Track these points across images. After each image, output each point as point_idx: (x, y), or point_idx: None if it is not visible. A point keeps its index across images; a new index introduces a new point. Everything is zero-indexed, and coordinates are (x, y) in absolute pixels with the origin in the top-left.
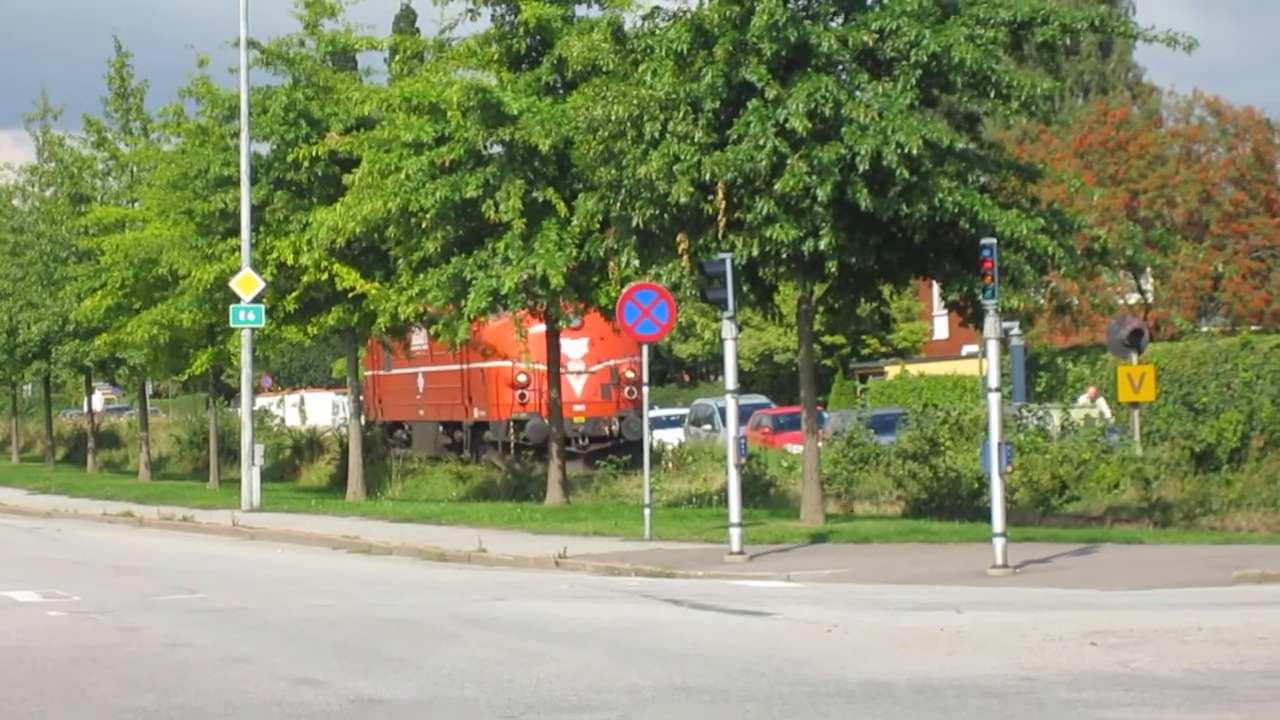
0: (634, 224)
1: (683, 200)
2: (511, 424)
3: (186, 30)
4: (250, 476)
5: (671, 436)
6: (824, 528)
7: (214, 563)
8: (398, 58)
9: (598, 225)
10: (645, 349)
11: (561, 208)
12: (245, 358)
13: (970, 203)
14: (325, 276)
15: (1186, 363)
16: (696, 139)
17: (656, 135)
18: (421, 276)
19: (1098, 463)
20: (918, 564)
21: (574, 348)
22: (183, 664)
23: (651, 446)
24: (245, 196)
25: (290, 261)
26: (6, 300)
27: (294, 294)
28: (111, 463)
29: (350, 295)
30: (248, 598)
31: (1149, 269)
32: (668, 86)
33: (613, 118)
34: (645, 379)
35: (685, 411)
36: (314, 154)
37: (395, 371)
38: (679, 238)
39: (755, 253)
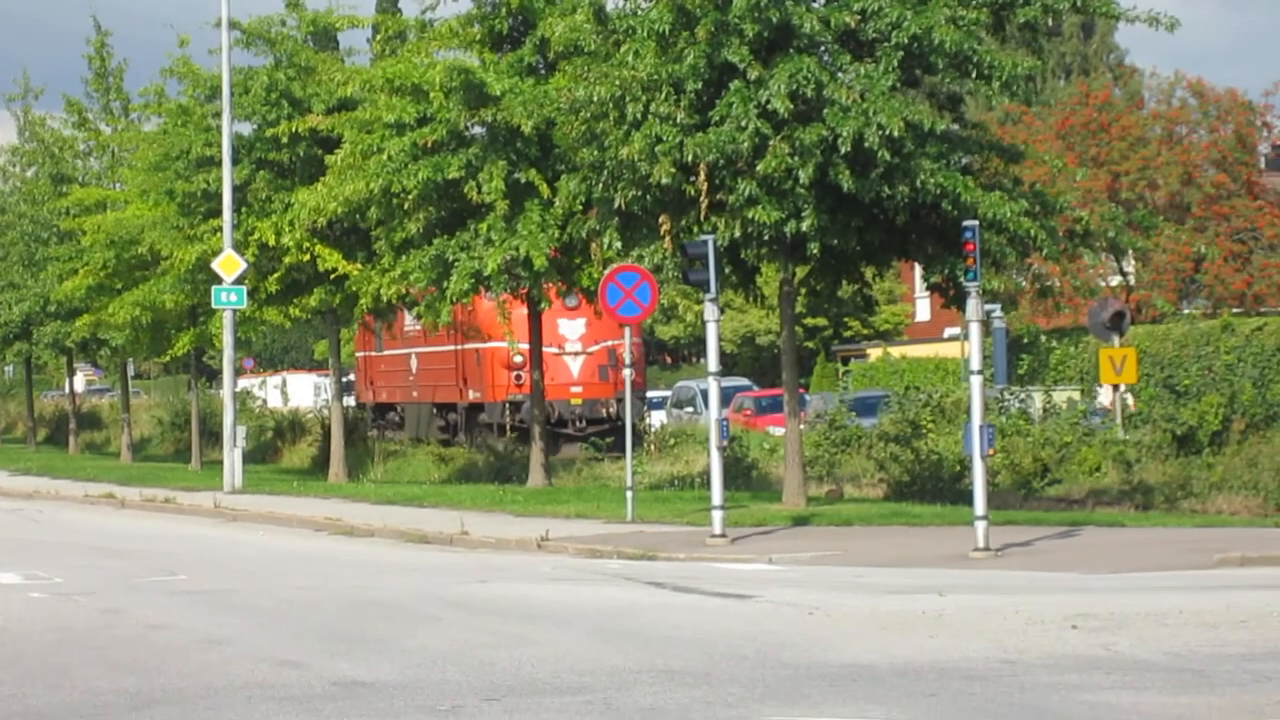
0: (616, 205)
1: (665, 181)
2: (507, 406)
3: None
4: (232, 458)
5: (654, 419)
6: (806, 510)
7: (196, 544)
8: (379, 37)
9: (580, 207)
10: (628, 331)
11: (544, 189)
12: (227, 339)
13: (952, 185)
14: (307, 258)
15: (1168, 345)
16: (678, 120)
17: (638, 116)
18: (404, 258)
19: (1079, 446)
20: (900, 547)
21: (571, 328)
22: (165, 646)
23: (646, 428)
24: (227, 177)
25: (272, 242)
26: None
27: (276, 275)
28: (93, 444)
29: (332, 276)
30: (230, 580)
31: (1131, 251)
32: (650, 67)
33: (595, 99)
34: (627, 360)
35: (667, 394)
36: (295, 131)
37: (387, 352)
38: (661, 219)
39: (737, 234)
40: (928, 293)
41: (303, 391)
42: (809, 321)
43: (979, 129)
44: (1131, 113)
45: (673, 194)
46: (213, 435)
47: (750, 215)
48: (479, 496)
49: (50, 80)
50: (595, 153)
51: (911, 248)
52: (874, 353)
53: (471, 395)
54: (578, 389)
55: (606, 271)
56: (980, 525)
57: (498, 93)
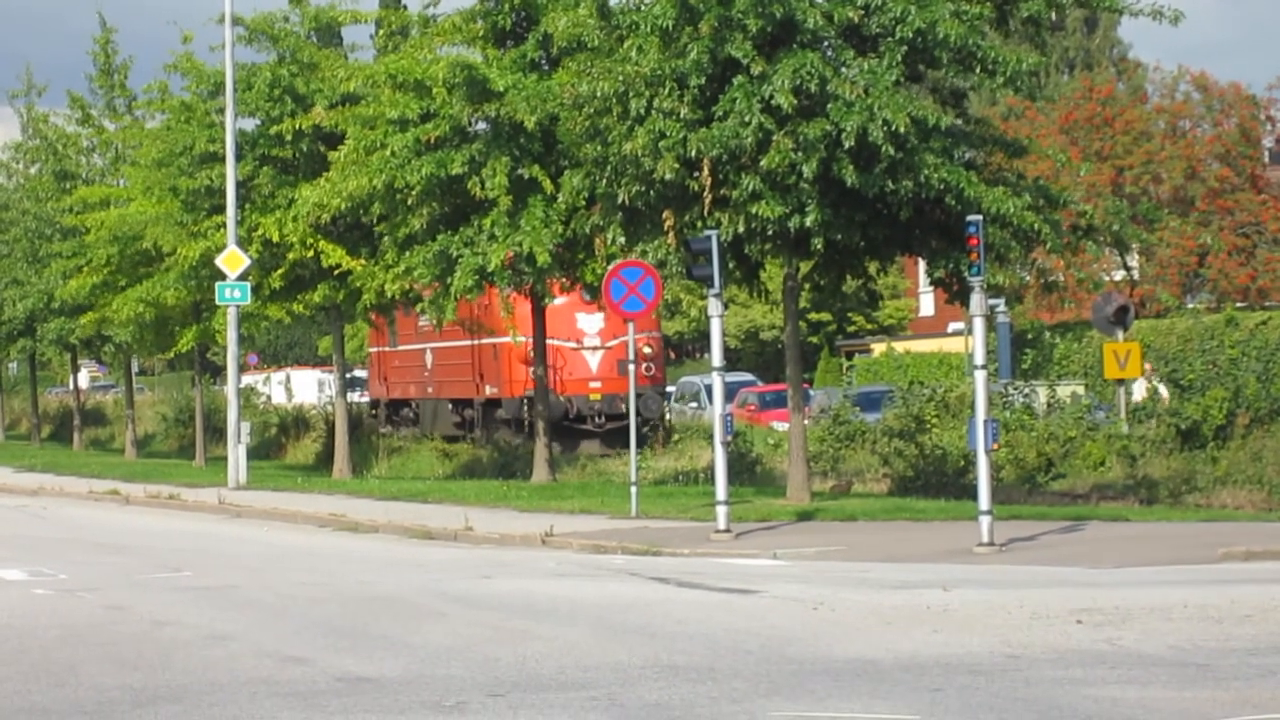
0: (620, 201)
1: (668, 177)
2: (525, 401)
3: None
4: (236, 454)
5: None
6: (810, 505)
7: (200, 541)
8: (382, 32)
9: (583, 202)
10: (631, 326)
11: (547, 185)
12: (231, 335)
13: (956, 179)
14: (311, 254)
15: (1172, 340)
16: (682, 115)
17: (642, 112)
18: (407, 254)
19: (1083, 440)
20: (904, 542)
21: (590, 322)
22: (169, 642)
23: (666, 424)
24: (231, 173)
25: (275, 238)
26: None
27: (279, 271)
28: (97, 440)
29: (336, 272)
30: (234, 576)
31: (1135, 246)
32: (653, 63)
33: (598, 94)
34: (631, 356)
35: (671, 389)
36: (298, 127)
37: (401, 348)
38: (665, 214)
39: (741, 229)
40: (931, 288)
41: (307, 387)
42: (813, 316)
43: (983, 124)
44: (1135, 107)
45: (676, 189)
46: (217, 431)
47: (754, 210)
48: (483, 492)
49: (54, 77)
50: (599, 148)
51: (915, 243)
52: (878, 348)
53: (488, 391)
54: (596, 384)
55: (610, 267)
56: (984, 520)
57: (501, 88)
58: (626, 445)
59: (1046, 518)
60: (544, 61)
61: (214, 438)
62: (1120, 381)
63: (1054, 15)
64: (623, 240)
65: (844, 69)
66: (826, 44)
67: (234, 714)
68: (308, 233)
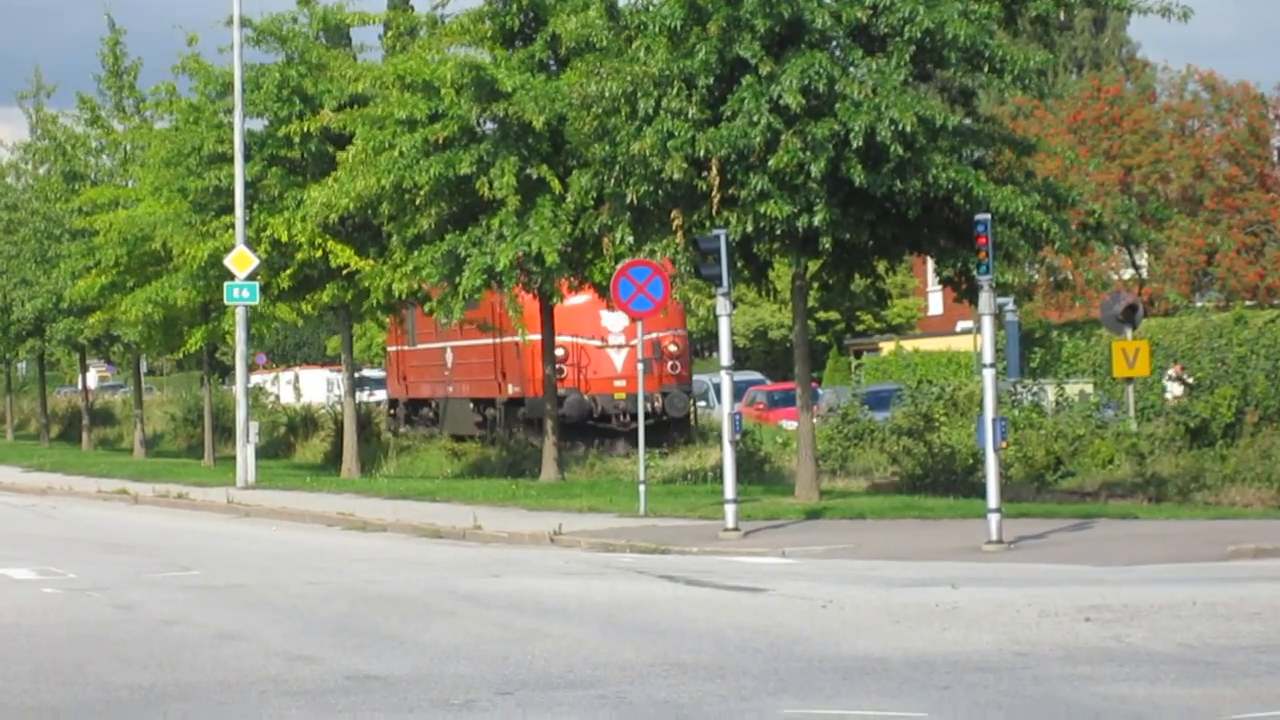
0: (628, 200)
1: (676, 177)
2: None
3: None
4: (245, 454)
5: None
6: (818, 504)
7: (209, 540)
8: (390, 33)
9: (592, 202)
10: (640, 326)
11: (555, 184)
12: (240, 335)
13: (964, 179)
14: (319, 253)
15: (1181, 338)
16: (690, 115)
17: (650, 112)
18: (416, 253)
19: (1092, 438)
20: (912, 540)
21: (614, 320)
22: (178, 641)
23: (695, 423)
24: (239, 173)
25: (284, 238)
26: (0, 278)
27: (288, 271)
28: (106, 440)
29: (344, 272)
30: (243, 575)
31: (1143, 245)
32: (661, 63)
33: (606, 94)
34: (640, 355)
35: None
36: (306, 130)
37: (421, 346)
38: (673, 214)
39: (749, 229)
40: (940, 286)
41: (315, 387)
42: (821, 315)
43: (991, 123)
44: (1143, 106)
45: (684, 189)
46: (225, 431)
47: (762, 210)
48: (491, 491)
49: (62, 78)
50: (607, 148)
51: (924, 242)
52: (886, 346)
53: (510, 390)
54: (621, 382)
55: (619, 266)
56: (993, 518)
57: (509, 89)
58: (653, 444)
59: (1055, 516)
60: (552, 62)
61: (222, 437)
62: (1129, 380)
63: (1062, 14)
64: (631, 240)
65: (852, 69)
66: (835, 44)
67: (243, 713)
68: (316, 233)
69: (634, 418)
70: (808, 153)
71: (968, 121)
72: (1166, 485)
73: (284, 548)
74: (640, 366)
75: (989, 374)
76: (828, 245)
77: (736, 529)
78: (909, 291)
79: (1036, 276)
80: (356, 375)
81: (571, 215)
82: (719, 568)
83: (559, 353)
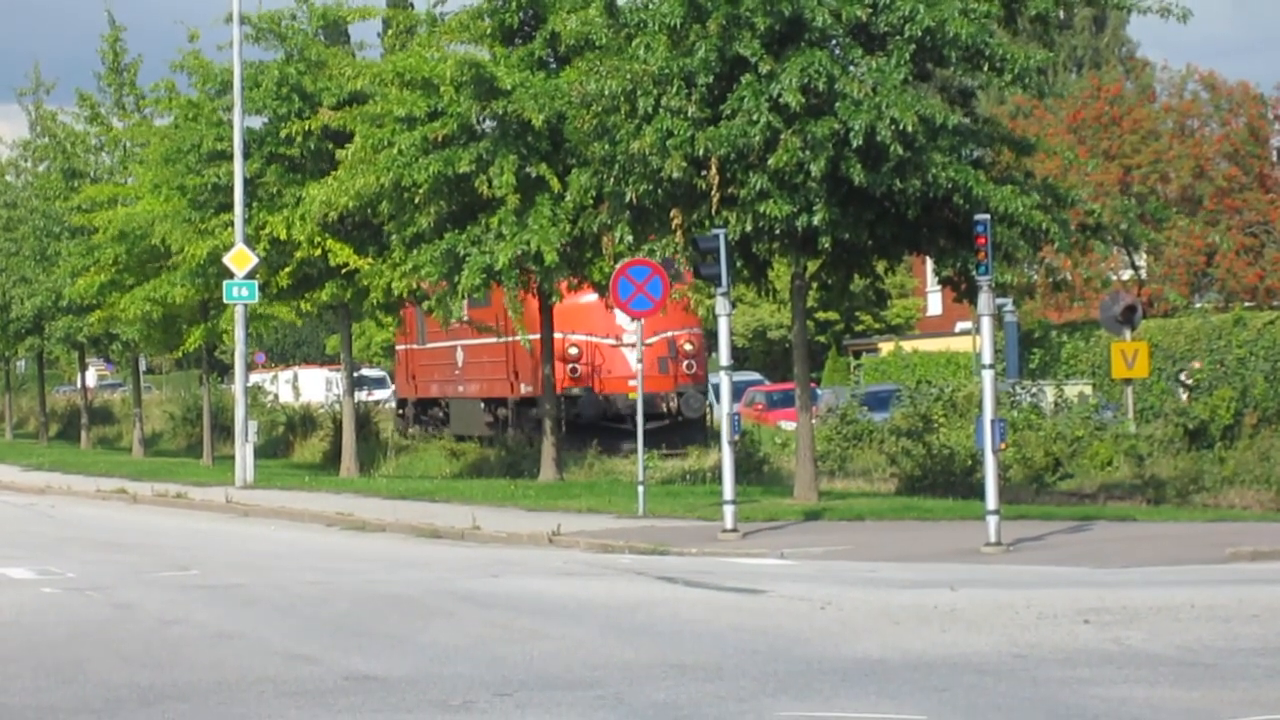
0: (627, 199)
1: (676, 175)
2: (563, 400)
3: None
4: (244, 453)
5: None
6: (817, 505)
7: (208, 539)
8: (390, 31)
9: (591, 201)
10: (639, 325)
11: (555, 183)
12: (238, 334)
13: (964, 178)
14: (318, 252)
15: (1180, 339)
16: (690, 114)
17: (650, 110)
18: (415, 252)
19: (1091, 440)
20: (911, 541)
21: (628, 318)
22: (177, 640)
23: (712, 422)
24: (239, 171)
25: (283, 237)
26: (0, 276)
27: (287, 269)
28: (105, 439)
29: (343, 271)
30: (241, 574)
31: (1143, 245)
32: (661, 61)
33: (606, 92)
34: (638, 355)
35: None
36: (307, 129)
37: (430, 345)
38: (673, 213)
39: (749, 228)
40: (939, 287)
41: (314, 386)
42: (820, 315)
43: (991, 122)
44: (1143, 106)
45: (684, 188)
46: (224, 430)
47: (761, 209)
48: (490, 491)
49: (61, 75)
50: (606, 147)
51: (923, 241)
52: (885, 347)
53: (523, 389)
54: (635, 382)
55: (618, 265)
56: (992, 520)
57: (508, 86)
58: (667, 445)
59: (1054, 517)
60: (551, 60)
61: (221, 436)
62: (1127, 381)
63: (1062, 13)
64: (630, 239)
65: (852, 67)
66: (835, 42)
67: (242, 712)
68: (315, 231)
69: (649, 418)
70: (807, 152)
71: (967, 121)
72: (1165, 487)
73: (283, 547)
74: (639, 366)
75: (988, 375)
76: (827, 245)
77: (735, 530)
78: (908, 292)
79: (1036, 277)
80: (355, 374)
81: (571, 214)
82: (718, 569)
83: (573, 351)
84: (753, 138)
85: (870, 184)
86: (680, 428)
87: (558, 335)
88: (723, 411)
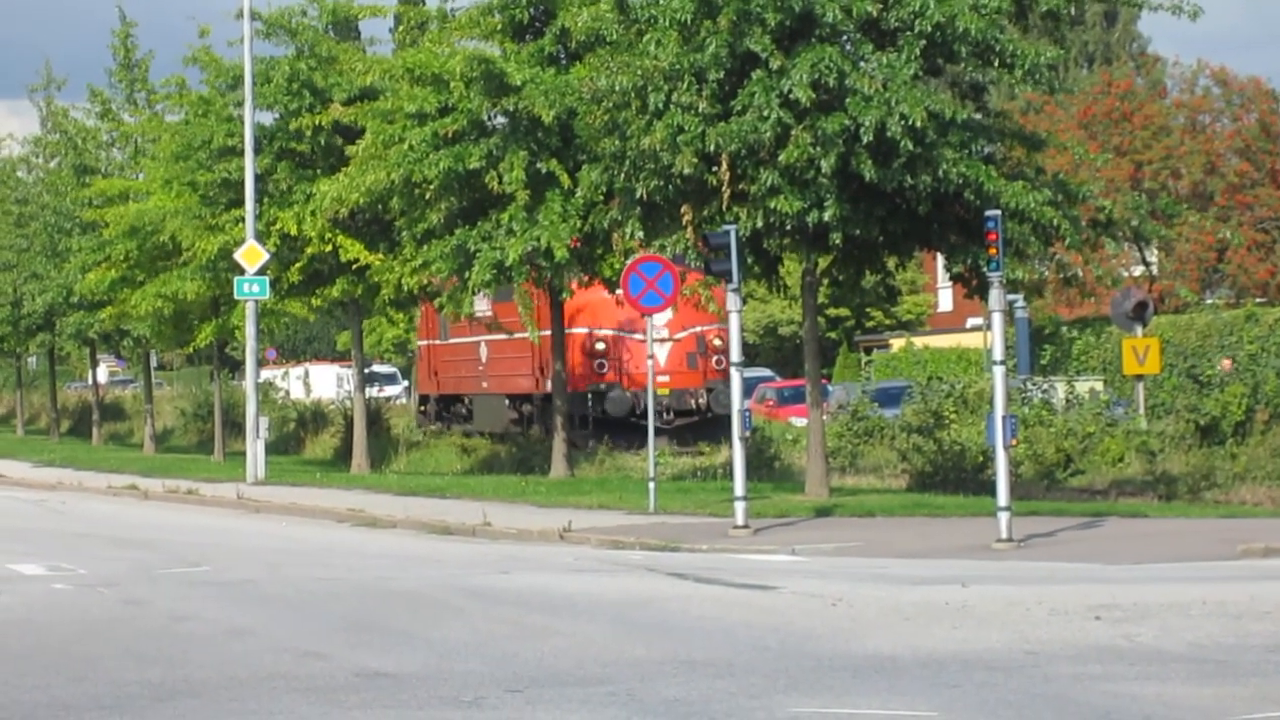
0: (638, 195)
1: (687, 171)
2: (590, 396)
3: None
4: (255, 449)
5: None
6: (828, 501)
7: (219, 536)
8: (401, 27)
9: (601, 197)
10: (650, 321)
11: (565, 179)
12: (249, 330)
13: (975, 174)
14: (329, 248)
15: (1191, 335)
16: (700, 110)
17: (660, 106)
18: (425, 248)
19: (1102, 436)
20: (922, 538)
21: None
22: (188, 637)
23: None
24: (249, 167)
25: (294, 233)
26: (10, 272)
27: (298, 265)
28: (116, 435)
29: (354, 267)
30: (252, 570)
31: (1154, 241)
32: (672, 57)
33: (617, 88)
34: (650, 351)
35: None
36: (317, 124)
37: (453, 340)
38: (683, 209)
39: (759, 224)
40: (950, 283)
41: (325, 382)
42: (831, 312)
43: (1001, 118)
44: (1154, 101)
45: (695, 184)
46: (235, 426)
47: (772, 205)
48: (501, 487)
49: (72, 73)
50: (617, 143)
51: (934, 237)
52: (896, 343)
53: (548, 385)
54: (664, 378)
55: (629, 262)
56: (1003, 516)
57: (518, 82)
58: (695, 441)
59: (1065, 514)
60: (562, 55)
61: (232, 433)
62: (1139, 377)
63: (1073, 9)
64: (641, 235)
65: (862, 63)
66: (845, 38)
67: (252, 709)
68: (326, 227)
69: (678, 415)
70: (818, 148)
71: (978, 116)
72: (1177, 483)
73: (294, 544)
74: (649, 362)
75: (999, 371)
76: (838, 241)
77: (746, 526)
78: (919, 288)
79: (1047, 273)
80: (366, 370)
81: (581, 210)
82: (729, 565)
83: (599, 346)
84: (763, 133)
85: (881, 180)
86: (709, 424)
87: (583, 330)
88: (733, 408)
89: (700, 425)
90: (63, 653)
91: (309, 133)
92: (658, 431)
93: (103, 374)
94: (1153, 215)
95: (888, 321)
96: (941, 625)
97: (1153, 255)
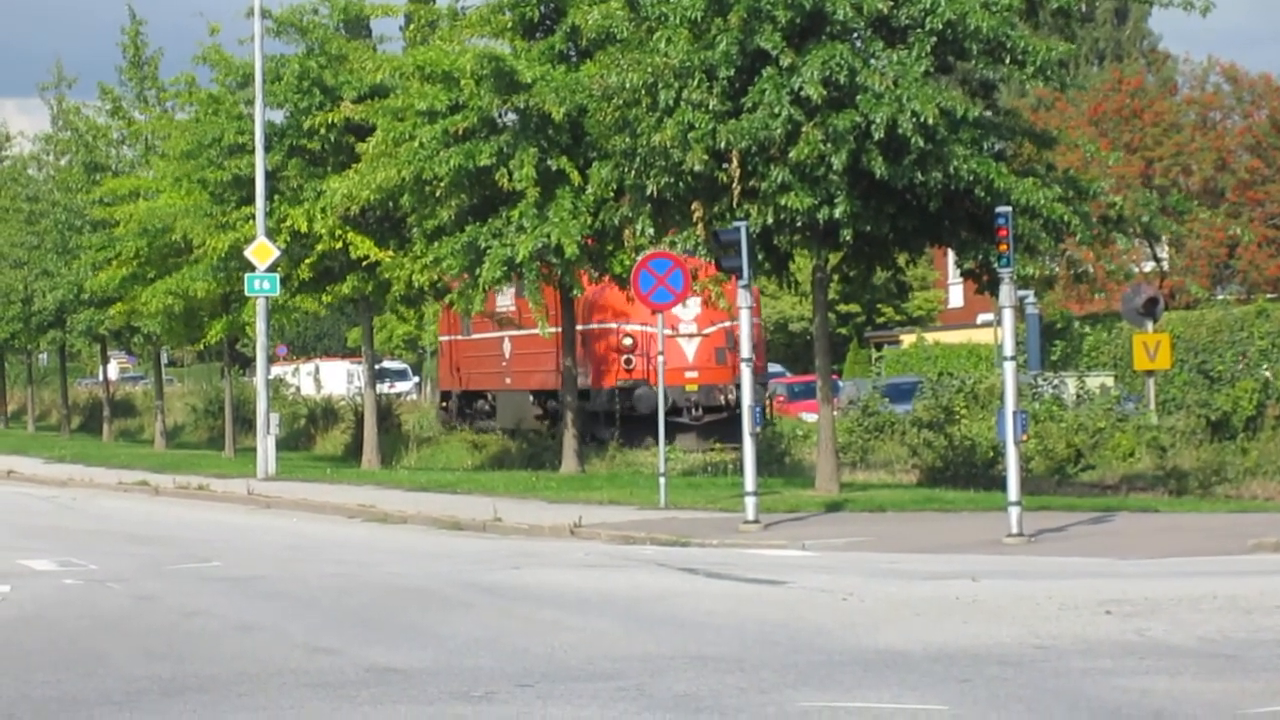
0: (648, 192)
1: (697, 168)
2: (617, 393)
3: None
4: (265, 445)
5: None
6: (839, 496)
7: (229, 531)
8: (412, 25)
9: (612, 194)
10: (660, 318)
11: (575, 176)
12: (260, 326)
13: (986, 171)
14: (339, 245)
15: (1202, 331)
16: (711, 107)
17: (671, 103)
18: (436, 245)
19: (1113, 431)
20: (933, 533)
21: (684, 309)
22: (198, 632)
23: (769, 416)
24: (260, 164)
25: (304, 230)
26: (22, 269)
27: (308, 262)
28: (127, 432)
29: (364, 264)
30: (263, 566)
31: (1164, 237)
32: (682, 54)
33: (627, 85)
34: (660, 347)
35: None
36: (329, 121)
37: (476, 336)
38: (694, 206)
39: (770, 221)
40: (961, 279)
41: (336, 379)
42: (842, 308)
43: (1012, 115)
44: (1164, 98)
45: (705, 181)
46: (246, 422)
47: (783, 202)
48: (512, 483)
49: (83, 69)
50: (627, 140)
51: (945, 234)
52: (907, 339)
53: (579, 380)
54: (693, 374)
55: (639, 258)
56: (1014, 511)
57: (529, 80)
58: (725, 439)
59: (1076, 509)
60: (572, 53)
61: (243, 429)
62: (1149, 373)
63: (1084, 6)
64: (651, 232)
65: (873, 60)
66: (856, 35)
67: (263, 704)
68: (336, 224)
69: (707, 411)
70: (829, 144)
71: (988, 113)
72: (1187, 478)
73: (304, 539)
74: (660, 359)
75: (1009, 366)
76: (848, 237)
77: (757, 521)
78: (930, 284)
79: (1057, 269)
80: (377, 367)
81: (591, 207)
82: (739, 560)
83: (627, 342)
84: (774, 130)
85: (891, 176)
86: (737, 420)
87: (612, 325)
88: (744, 403)
89: (729, 421)
90: (73, 648)
91: (319, 130)
92: (686, 428)
93: (113, 370)
94: (1163, 212)
95: (898, 317)
96: (952, 620)
97: (1163, 251)
